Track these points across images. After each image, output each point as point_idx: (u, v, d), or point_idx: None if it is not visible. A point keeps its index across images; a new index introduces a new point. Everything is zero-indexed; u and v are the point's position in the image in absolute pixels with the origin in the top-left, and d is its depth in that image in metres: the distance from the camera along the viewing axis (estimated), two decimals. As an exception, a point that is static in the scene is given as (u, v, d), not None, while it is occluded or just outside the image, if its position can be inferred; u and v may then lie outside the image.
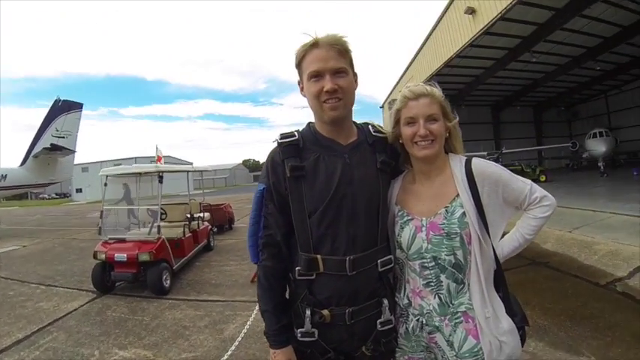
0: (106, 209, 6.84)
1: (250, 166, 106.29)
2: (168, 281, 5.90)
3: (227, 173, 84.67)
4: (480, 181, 1.40)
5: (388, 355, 1.50)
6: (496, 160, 13.46)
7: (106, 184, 6.89)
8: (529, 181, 1.47)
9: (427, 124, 1.40)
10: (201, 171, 10.71)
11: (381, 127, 1.56)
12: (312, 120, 1.53)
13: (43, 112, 19.52)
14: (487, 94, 22.81)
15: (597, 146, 19.08)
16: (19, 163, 18.41)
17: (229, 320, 4.61)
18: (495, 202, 1.42)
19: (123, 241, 6.10)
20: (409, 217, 1.46)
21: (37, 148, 18.11)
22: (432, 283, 1.40)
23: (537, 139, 27.18)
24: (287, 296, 1.50)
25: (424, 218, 1.43)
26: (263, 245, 1.44)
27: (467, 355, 1.33)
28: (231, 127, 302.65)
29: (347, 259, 1.35)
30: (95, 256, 5.88)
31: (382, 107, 26.27)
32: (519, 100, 24.63)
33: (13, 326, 4.75)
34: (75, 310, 5.28)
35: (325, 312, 1.37)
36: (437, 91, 1.45)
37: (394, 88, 22.99)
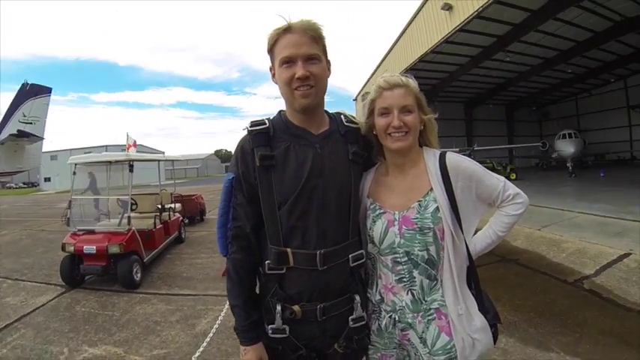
0: (75, 199, 6.59)
1: (222, 156, 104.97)
2: (139, 274, 5.76)
3: (199, 163, 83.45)
4: (454, 175, 1.38)
5: (361, 353, 1.48)
6: (468, 157, 13.78)
7: (75, 173, 6.65)
8: (503, 178, 1.47)
9: (401, 115, 1.37)
10: (173, 160, 10.45)
11: (354, 118, 1.53)
12: (281, 109, 1.49)
13: (10, 97, 18.68)
14: (460, 91, 23.27)
15: (566, 147, 19.80)
16: (-16, 151, 17.54)
17: (201, 315, 4.54)
18: (469, 197, 1.40)
19: (92, 232, 5.90)
20: (381, 211, 1.43)
21: (3, 135, 17.28)
22: (405, 279, 1.38)
23: (509, 137, 28.01)
24: (257, 291, 1.46)
25: (397, 212, 1.40)
26: (232, 237, 1.40)
27: (440, 352, 1.33)
28: (204, 117, 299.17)
29: (317, 252, 1.31)
30: (63, 249, 5.68)
31: (355, 100, 26.37)
32: (492, 98, 25.28)
33: (-22, 323, 4.53)
34: (43, 305, 5.10)
35: (296, 308, 1.34)
36: (412, 82, 1.42)
37: (368, 80, 23.13)
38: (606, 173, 17.46)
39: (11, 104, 18.08)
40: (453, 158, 1.43)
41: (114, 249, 5.49)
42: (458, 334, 1.32)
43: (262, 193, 1.34)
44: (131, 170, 6.43)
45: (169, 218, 8.21)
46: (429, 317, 1.36)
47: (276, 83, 1.40)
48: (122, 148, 8.03)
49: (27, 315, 4.77)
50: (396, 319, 1.40)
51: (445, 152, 1.45)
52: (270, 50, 1.38)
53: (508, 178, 1.56)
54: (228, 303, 1.44)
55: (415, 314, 1.37)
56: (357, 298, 1.41)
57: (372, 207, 1.46)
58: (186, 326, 4.26)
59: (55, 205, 20.28)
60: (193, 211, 11.87)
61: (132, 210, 6.51)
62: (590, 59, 17.94)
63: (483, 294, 1.45)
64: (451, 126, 24.37)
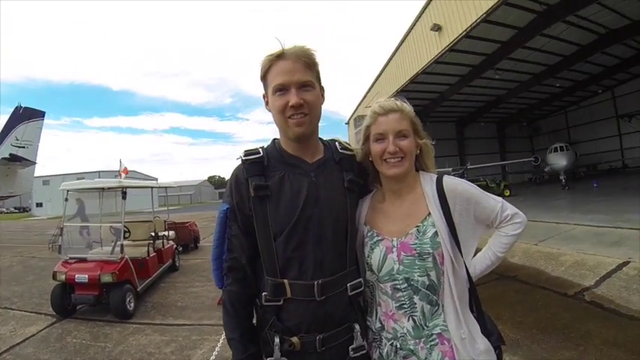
0: (67, 226, 6.49)
1: (216, 182, 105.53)
2: (132, 304, 5.64)
3: (192, 190, 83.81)
4: (452, 199, 1.37)
5: None
6: (461, 176, 13.85)
7: (67, 199, 6.57)
8: (500, 199, 1.46)
9: (397, 140, 1.37)
10: (166, 187, 10.43)
11: (348, 144, 1.52)
12: (275, 137, 1.47)
13: (3, 120, 18.75)
14: (452, 111, 23.56)
15: (558, 160, 20.04)
16: (-25, 175, 17.39)
17: (196, 346, 4.43)
18: (467, 220, 1.39)
19: (84, 260, 5.78)
20: (379, 238, 1.41)
21: (-5, 159, 17.17)
22: (405, 306, 1.35)
23: (501, 154, 28.29)
24: (254, 322, 1.42)
25: (395, 238, 1.38)
26: (227, 269, 1.38)
27: None
28: (197, 142, 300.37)
29: (315, 283, 1.29)
30: (54, 277, 5.55)
31: (347, 124, 26.56)
32: (483, 116, 25.62)
33: (-35, 354, 4.40)
34: (33, 335, 4.97)
35: (295, 339, 1.30)
36: (407, 106, 1.42)
37: (360, 103, 23.41)
38: (599, 183, 17.64)
39: (4, 127, 18.06)
40: (450, 182, 1.42)
41: (106, 278, 5.38)
42: (461, 358, 1.29)
43: (257, 223, 1.32)
44: (124, 197, 6.39)
45: (163, 246, 8.13)
46: (432, 343, 1.32)
47: (270, 111, 1.38)
48: (115, 174, 8.01)
49: (16, 345, 4.65)
50: (398, 346, 1.36)
51: (442, 176, 1.44)
52: (263, 77, 1.37)
53: (502, 194, 1.55)
54: (224, 334, 1.40)
55: (417, 340, 1.33)
56: (357, 327, 1.37)
57: (369, 234, 1.44)
58: (182, 357, 4.14)
59: (46, 231, 19.98)
60: (187, 239, 11.78)
61: (125, 238, 6.43)
62: (578, 72, 18.35)
63: (485, 316, 1.42)
64: (443, 146, 24.59)
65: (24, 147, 18.18)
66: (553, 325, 4.07)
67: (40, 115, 19.53)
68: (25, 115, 18.56)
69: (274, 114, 1.36)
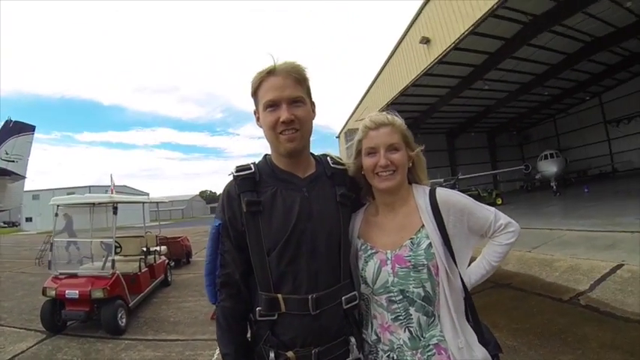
0: (57, 241, 6.40)
1: (207, 197, 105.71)
2: (124, 320, 5.56)
3: (184, 205, 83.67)
4: (445, 210, 1.38)
5: None
6: (453, 186, 13.91)
7: (57, 214, 6.52)
8: (493, 209, 1.47)
9: (388, 153, 1.38)
10: (158, 202, 10.38)
11: (340, 159, 1.52)
12: (266, 153, 1.48)
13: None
14: (442, 122, 23.74)
15: (549, 167, 20.26)
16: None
17: (190, 361, 4.36)
18: (460, 231, 1.40)
19: (74, 276, 5.71)
20: (373, 251, 1.41)
21: (-16, 173, 16.97)
22: (401, 317, 1.35)
23: (492, 163, 28.50)
24: (249, 337, 1.40)
25: (389, 251, 1.38)
26: (221, 285, 1.37)
27: None
28: (188, 157, 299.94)
29: (310, 297, 1.28)
30: (44, 293, 5.48)
31: (338, 137, 26.66)
32: (473, 126, 25.84)
33: (-47, 372, 4.30)
34: (22, 352, 4.89)
35: (290, 354, 1.28)
36: (398, 120, 1.43)
37: (350, 117, 23.52)
38: (590, 188, 17.84)
39: (-6, 141, 17.82)
40: (444, 193, 1.43)
41: (97, 294, 5.31)
42: None
43: (250, 239, 1.31)
44: (115, 212, 6.34)
45: (155, 261, 8.06)
46: (429, 353, 1.31)
47: (261, 127, 1.39)
48: (106, 189, 7.96)
49: (5, 363, 4.54)
50: (395, 357, 1.35)
51: (435, 188, 1.45)
52: (254, 93, 1.38)
53: (494, 203, 1.56)
54: (218, 349, 1.38)
55: (414, 351, 1.32)
56: (353, 340, 1.36)
57: (363, 247, 1.44)
58: (175, 373, 4.06)
59: (36, 246, 19.72)
60: (179, 254, 11.76)
61: (116, 253, 6.38)
62: (565, 80, 18.68)
63: (482, 325, 1.42)
64: (434, 157, 24.67)
65: (14, 161, 18.03)
66: (550, 331, 4.08)
67: (30, 129, 19.45)
68: (15, 129, 18.45)
69: (265, 130, 1.36)
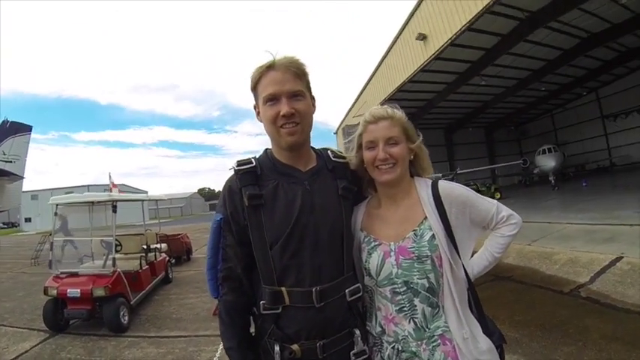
0: (57, 240, 6.39)
1: (206, 194, 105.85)
2: (127, 317, 5.57)
3: (183, 202, 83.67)
4: (448, 203, 1.39)
5: None
6: (451, 181, 13.96)
7: (56, 214, 6.52)
8: (495, 201, 1.48)
9: (387, 147, 1.39)
10: (157, 200, 10.37)
11: (341, 152, 1.53)
12: (267, 147, 1.48)
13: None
14: (440, 118, 23.71)
15: (547, 162, 20.28)
16: (-39, 190, 17.15)
17: (194, 357, 4.38)
18: (463, 223, 1.41)
19: (75, 275, 5.70)
20: (376, 243, 1.42)
21: (-19, 174, 16.96)
22: (406, 309, 1.35)
23: (490, 158, 28.47)
24: (253, 331, 1.41)
25: (392, 243, 1.39)
26: (222, 279, 1.37)
27: None
28: (186, 155, 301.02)
29: (314, 290, 1.28)
30: (46, 292, 5.49)
31: (336, 133, 26.59)
32: (471, 121, 25.80)
33: (-44, 373, 4.30)
34: (26, 352, 4.89)
35: (295, 347, 1.28)
36: (398, 113, 1.44)
37: (348, 113, 23.46)
38: (588, 182, 17.88)
39: (-10, 142, 17.79)
40: (446, 186, 1.44)
41: (99, 292, 5.31)
42: (464, 358, 1.29)
43: (252, 233, 1.31)
44: (114, 211, 6.35)
45: (155, 259, 8.06)
46: (434, 344, 1.32)
47: (261, 121, 1.39)
48: (105, 188, 7.95)
49: (9, 363, 4.53)
50: (400, 349, 1.35)
51: (437, 181, 1.46)
52: (254, 88, 1.38)
53: (493, 197, 1.58)
54: (222, 344, 1.39)
55: (419, 342, 1.33)
56: (357, 332, 1.37)
57: (366, 240, 1.45)
58: (179, 369, 4.08)
59: (35, 246, 19.74)
60: (179, 251, 11.79)
61: (116, 251, 6.39)
62: (562, 75, 18.67)
63: (486, 316, 1.43)
64: (433, 152, 24.07)
65: (11, 161, 18.01)
66: (551, 323, 4.10)
67: (27, 129, 19.41)
68: (12, 130, 18.41)
69: (266, 124, 1.36)
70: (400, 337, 1.35)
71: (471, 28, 10.62)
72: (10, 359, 4.64)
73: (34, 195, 49.80)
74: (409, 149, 1.43)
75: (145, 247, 7.80)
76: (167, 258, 8.96)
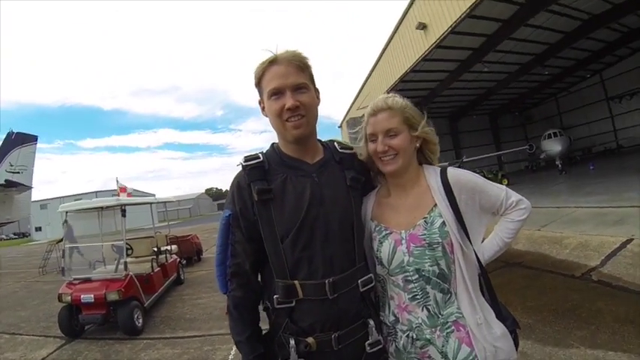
0: (68, 247, 6.46)
1: (213, 194, 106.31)
2: (141, 320, 5.62)
3: (191, 203, 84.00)
4: (457, 189, 1.40)
5: None
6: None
7: (66, 221, 6.56)
8: (504, 187, 1.48)
9: (386, 139, 1.40)
10: (165, 202, 10.43)
11: (347, 144, 1.54)
12: (272, 144, 1.49)
13: (-5, 147, 18.58)
14: (443, 106, 23.54)
15: (553, 146, 20.07)
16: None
17: (209, 356, 4.41)
18: (473, 209, 1.41)
19: (89, 280, 5.76)
20: (388, 232, 1.42)
21: (-9, 186, 17.14)
22: (418, 296, 1.36)
23: (495, 144, 28.23)
24: (268, 327, 1.41)
25: (403, 231, 1.40)
26: (231, 275, 1.37)
27: None
28: (192, 156, 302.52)
29: (326, 281, 1.29)
30: (60, 299, 5.54)
31: (340, 127, 26.50)
32: (474, 109, 25.58)
33: (-24, 384, 4.37)
34: (43, 359, 4.94)
35: (310, 340, 1.29)
36: (399, 102, 1.44)
37: (351, 106, 23.37)
38: (596, 165, 17.66)
39: (-3, 154, 17.98)
40: (455, 173, 1.44)
41: (112, 296, 5.36)
42: (479, 343, 1.30)
43: (263, 227, 1.32)
44: (124, 215, 6.39)
45: (166, 260, 8.12)
46: (448, 330, 1.33)
47: (267, 116, 1.39)
48: (113, 193, 8.00)
49: (28, 370, 4.58)
50: (414, 337, 1.37)
51: (446, 168, 1.47)
52: (258, 84, 1.39)
53: (500, 184, 1.59)
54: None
55: (433, 329, 1.34)
56: (371, 322, 1.37)
57: (377, 229, 1.45)
58: (195, 369, 4.12)
59: (52, 254, 19.98)
60: (190, 252, 11.83)
61: (127, 255, 6.42)
62: (565, 59, 18.46)
63: (499, 302, 1.44)
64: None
65: (19, 172, 18.17)
66: (563, 307, 4.09)
67: (32, 139, 19.55)
68: (18, 141, 18.57)
69: (271, 118, 1.37)
70: (414, 325, 1.36)
71: (471, 14, 10.51)
72: (28, 367, 4.68)
73: (44, 204, 50.34)
74: (412, 138, 1.43)
75: (155, 249, 7.84)
76: (178, 259, 9.01)
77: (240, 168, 1.40)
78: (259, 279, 1.43)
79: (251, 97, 1.44)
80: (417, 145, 1.46)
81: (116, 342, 5.25)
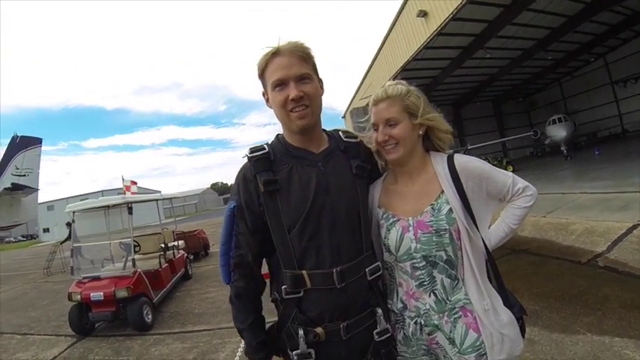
0: (76, 247, 6.51)
1: (219, 189, 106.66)
2: (150, 316, 5.68)
3: (196, 199, 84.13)
4: (464, 176, 1.40)
5: None
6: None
7: (73, 221, 6.63)
8: (510, 174, 1.48)
9: (386, 128, 1.41)
10: (171, 198, 10.48)
11: (352, 132, 1.54)
12: (277, 135, 1.49)
13: (1, 151, 18.84)
14: (446, 94, 23.32)
15: (558, 132, 19.90)
16: (-21, 207, 17.55)
17: (219, 349, 4.45)
18: (479, 196, 1.42)
19: (98, 279, 5.81)
20: (395, 219, 1.43)
21: (-2, 190, 17.30)
22: (426, 282, 1.37)
23: (500, 131, 27.93)
24: (277, 318, 1.42)
25: (410, 218, 1.40)
26: (234, 265, 1.39)
27: (469, 350, 1.32)
28: (196, 152, 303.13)
29: (334, 271, 1.29)
30: (70, 298, 5.60)
31: (344, 117, 26.40)
32: (478, 96, 25.33)
33: (-11, 383, 4.44)
34: (55, 357, 5.00)
35: (319, 330, 1.30)
36: (398, 90, 1.43)
37: (354, 96, 23.21)
38: (601, 150, 17.50)
39: (3, 158, 18.28)
40: (462, 159, 1.45)
41: (122, 293, 5.41)
42: (486, 329, 1.32)
43: (270, 218, 1.32)
44: (130, 212, 6.43)
45: (174, 256, 8.17)
46: (455, 316, 1.35)
47: (271, 107, 1.40)
48: (118, 192, 8.03)
49: (40, 370, 4.63)
50: (422, 323, 1.38)
51: (452, 155, 1.47)
52: (261, 75, 1.39)
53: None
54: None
55: (441, 315, 1.36)
56: (379, 311, 1.38)
57: (384, 216, 1.46)
58: (205, 362, 4.15)
59: (55, 255, 20.12)
60: (197, 247, 11.91)
61: (135, 252, 6.47)
62: (568, 43, 18.19)
63: (507, 289, 1.44)
64: None
65: (25, 175, 18.36)
66: (570, 293, 4.08)
67: (37, 142, 19.74)
68: (23, 144, 18.75)
69: (276, 109, 1.37)
70: (422, 312, 1.38)
71: (471, 0, 10.38)
72: (40, 366, 4.74)
73: (50, 206, 50.75)
74: (414, 126, 1.43)
75: (162, 245, 7.90)
76: (185, 255, 9.06)
77: (245, 160, 1.40)
78: (269, 270, 1.44)
79: (253, 90, 1.47)
80: (421, 132, 1.45)
81: (126, 338, 5.30)
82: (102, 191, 48.38)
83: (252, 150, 1.40)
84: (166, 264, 7.44)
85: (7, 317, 7.55)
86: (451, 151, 1.56)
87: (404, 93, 1.43)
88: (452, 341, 1.34)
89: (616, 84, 23.13)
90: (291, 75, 1.30)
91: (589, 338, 3.17)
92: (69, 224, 8.61)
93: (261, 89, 1.43)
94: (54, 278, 12.01)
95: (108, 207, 7.31)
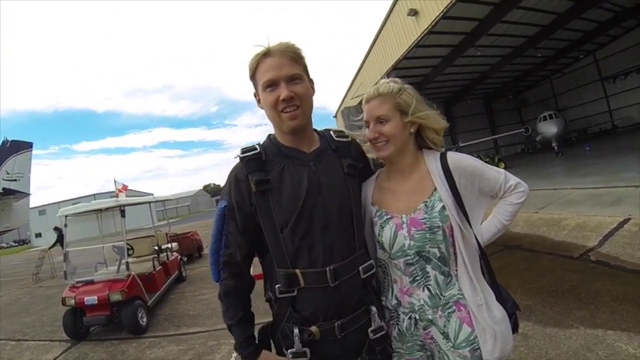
0: (69, 251, 6.45)
1: (211, 190, 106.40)
2: (145, 319, 5.65)
3: (189, 201, 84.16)
4: (457, 174, 1.41)
5: None
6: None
7: (66, 225, 6.54)
8: (503, 171, 1.50)
9: (377, 126, 1.43)
10: (163, 201, 10.42)
11: (343, 131, 1.54)
12: (269, 135, 1.50)
13: (-10, 156, 18.52)
14: (437, 92, 23.41)
15: (549, 128, 20.05)
16: (-31, 213, 17.36)
17: (214, 350, 4.43)
18: (472, 193, 1.43)
19: (91, 283, 5.77)
20: (388, 216, 1.43)
21: (-12, 195, 17.12)
22: (419, 278, 1.38)
23: (491, 129, 28.12)
24: (271, 318, 1.43)
25: (404, 215, 1.41)
26: (223, 264, 1.39)
27: (463, 344, 1.33)
28: (188, 153, 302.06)
29: (327, 269, 1.29)
30: (64, 303, 5.54)
31: (335, 117, 26.41)
32: (469, 93, 25.48)
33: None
34: (50, 363, 4.94)
35: (314, 329, 1.30)
36: (390, 88, 1.44)
37: (346, 95, 23.25)
38: (592, 146, 17.68)
39: (-7, 163, 17.93)
40: (455, 157, 1.46)
41: (116, 296, 5.37)
42: (479, 324, 1.33)
43: (262, 218, 1.33)
44: (123, 215, 6.39)
45: (168, 258, 8.14)
46: (449, 310, 1.36)
47: (262, 108, 1.40)
48: (111, 195, 7.98)
49: (35, 375, 4.58)
50: (417, 318, 1.39)
51: (445, 152, 1.48)
52: (252, 76, 1.39)
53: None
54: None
55: (435, 309, 1.37)
56: (374, 309, 1.39)
57: (378, 214, 1.46)
58: (201, 364, 4.13)
59: (47, 260, 19.93)
60: (190, 249, 11.88)
61: (129, 255, 6.43)
62: (558, 40, 18.36)
63: (499, 285, 1.46)
64: None
65: (16, 180, 18.17)
66: (562, 288, 4.12)
67: (27, 146, 19.54)
68: (13, 148, 18.55)
69: (267, 110, 1.37)
70: (416, 307, 1.39)
71: (462, -1, 10.46)
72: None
73: (42, 210, 50.32)
74: (405, 124, 1.43)
75: (156, 248, 7.86)
76: (179, 257, 9.02)
77: (237, 160, 1.41)
78: (262, 269, 1.45)
79: (245, 91, 1.49)
80: (412, 130, 1.46)
81: (121, 342, 5.27)
82: (94, 195, 48.06)
83: (244, 150, 1.40)
84: (160, 266, 7.40)
85: (1, 323, 7.47)
86: (443, 148, 1.57)
87: (395, 91, 1.44)
88: (446, 336, 1.35)
89: (606, 80, 23.36)
90: (282, 75, 1.31)
91: (582, 332, 3.21)
92: (57, 229, 8.55)
93: (253, 90, 1.44)
94: (47, 283, 11.91)
95: (100, 210, 7.24)
